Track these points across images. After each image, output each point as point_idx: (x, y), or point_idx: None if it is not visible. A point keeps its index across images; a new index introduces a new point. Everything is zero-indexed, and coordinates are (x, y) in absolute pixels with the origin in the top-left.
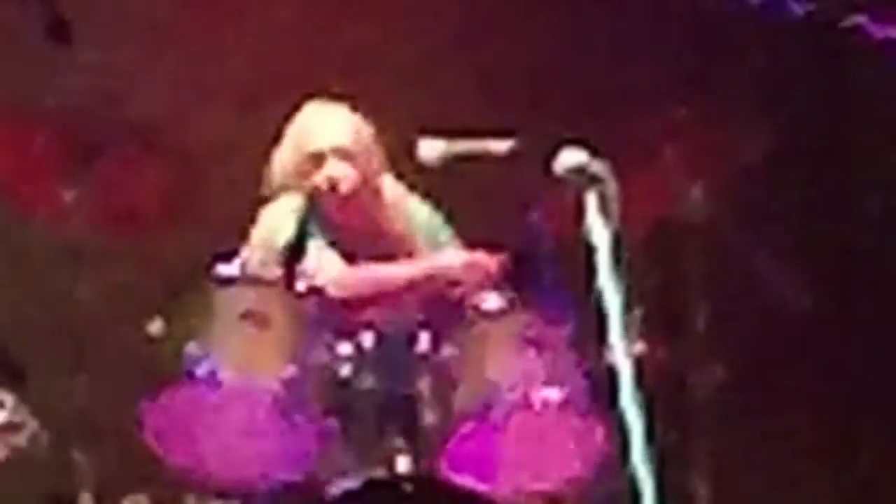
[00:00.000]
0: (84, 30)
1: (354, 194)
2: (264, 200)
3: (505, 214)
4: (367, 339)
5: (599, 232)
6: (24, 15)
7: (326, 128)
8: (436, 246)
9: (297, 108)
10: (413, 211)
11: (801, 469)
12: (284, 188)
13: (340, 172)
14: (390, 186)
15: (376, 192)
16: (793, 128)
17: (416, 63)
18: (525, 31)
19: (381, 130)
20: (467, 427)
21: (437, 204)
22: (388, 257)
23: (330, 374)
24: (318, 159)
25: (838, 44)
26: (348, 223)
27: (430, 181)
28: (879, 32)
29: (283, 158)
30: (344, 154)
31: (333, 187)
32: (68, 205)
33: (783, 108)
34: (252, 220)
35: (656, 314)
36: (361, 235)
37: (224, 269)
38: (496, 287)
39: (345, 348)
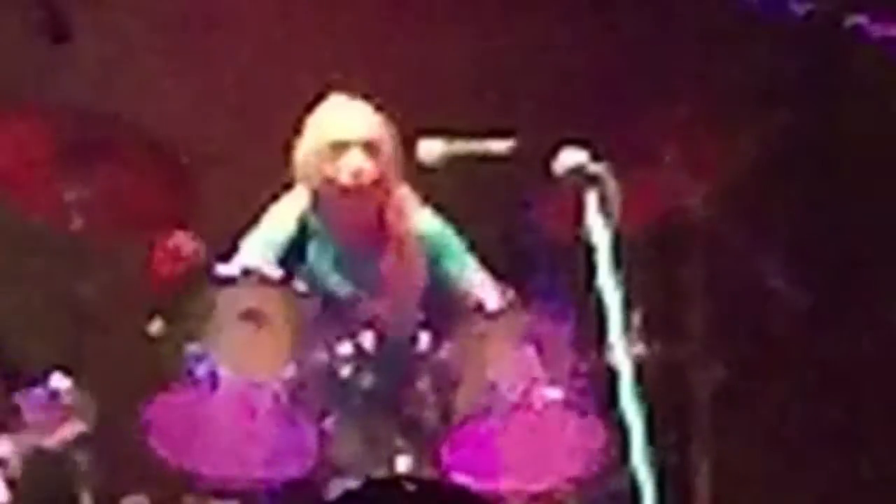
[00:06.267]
0: (84, 29)
1: (367, 190)
2: (288, 186)
3: (505, 214)
4: (367, 339)
5: (599, 232)
6: (24, 14)
7: (353, 120)
8: (442, 258)
9: (309, 108)
10: (421, 221)
11: (801, 469)
12: (303, 179)
13: (362, 164)
14: (402, 193)
15: (387, 193)
16: (793, 128)
17: (417, 63)
18: (525, 30)
19: None
20: (467, 427)
21: (438, 204)
22: (385, 259)
23: (330, 374)
24: (341, 150)
25: (838, 44)
26: (351, 221)
27: (430, 181)
28: (879, 32)
29: (304, 148)
30: (368, 147)
31: (355, 176)
32: (68, 205)
33: (783, 108)
34: (253, 219)
35: (656, 314)
36: (362, 235)
37: (224, 269)
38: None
39: (345, 348)
